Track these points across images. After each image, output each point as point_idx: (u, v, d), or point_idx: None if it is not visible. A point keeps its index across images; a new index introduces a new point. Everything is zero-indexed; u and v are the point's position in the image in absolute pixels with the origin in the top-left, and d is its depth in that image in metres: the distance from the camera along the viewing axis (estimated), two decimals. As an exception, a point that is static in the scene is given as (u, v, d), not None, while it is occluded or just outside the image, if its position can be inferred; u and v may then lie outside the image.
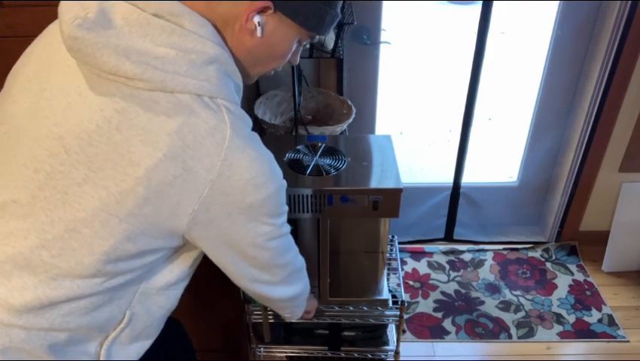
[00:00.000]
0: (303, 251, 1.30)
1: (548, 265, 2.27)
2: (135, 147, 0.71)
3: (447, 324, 1.99)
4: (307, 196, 1.18)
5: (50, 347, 0.79)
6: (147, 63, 0.70)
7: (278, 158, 1.27)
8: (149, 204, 0.73)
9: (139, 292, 0.86)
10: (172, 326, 1.22)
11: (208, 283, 1.44)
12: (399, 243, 1.58)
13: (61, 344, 0.80)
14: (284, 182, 0.85)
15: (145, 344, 0.93)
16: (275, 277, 0.96)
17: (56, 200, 0.73)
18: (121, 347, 0.88)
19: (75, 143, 0.72)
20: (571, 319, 2.01)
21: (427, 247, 2.35)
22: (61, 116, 0.73)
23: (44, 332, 0.78)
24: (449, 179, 2.27)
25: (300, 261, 1.04)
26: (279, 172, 0.84)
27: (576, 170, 2.16)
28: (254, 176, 0.77)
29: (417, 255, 2.32)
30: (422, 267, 2.25)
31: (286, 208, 0.89)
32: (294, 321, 1.42)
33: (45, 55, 0.78)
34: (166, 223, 0.76)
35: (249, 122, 0.81)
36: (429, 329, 1.97)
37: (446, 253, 2.33)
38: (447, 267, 2.25)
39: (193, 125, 0.72)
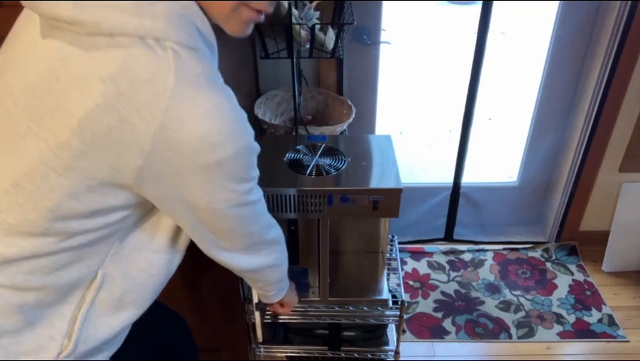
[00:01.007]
0: (303, 251, 1.30)
1: (548, 265, 2.27)
2: (71, 95, 0.67)
3: (447, 324, 1.99)
4: (307, 196, 1.18)
5: (19, 307, 0.76)
6: (82, 5, 0.64)
7: (278, 158, 1.27)
8: (86, 157, 0.68)
9: (111, 253, 0.81)
10: (178, 324, 1.23)
11: (208, 283, 1.44)
12: (399, 243, 1.58)
13: (30, 305, 0.77)
14: (254, 144, 0.78)
15: (131, 316, 0.88)
16: (236, 244, 0.90)
17: (5, 154, 0.71)
18: (103, 312, 0.84)
19: (22, 95, 0.70)
20: (571, 319, 2.01)
21: (427, 247, 2.35)
22: (17, 71, 0.71)
23: (9, 291, 0.75)
24: (449, 179, 2.27)
25: (273, 234, 0.97)
26: (247, 132, 0.76)
27: (576, 170, 2.16)
28: (207, 133, 0.69)
29: (417, 255, 2.32)
30: (422, 267, 2.25)
31: (255, 174, 0.82)
32: (292, 321, 1.42)
33: (23, 18, 0.77)
34: (109, 179, 0.71)
35: (210, 71, 0.73)
36: (429, 329, 1.97)
37: (446, 253, 2.33)
38: (447, 267, 2.25)
39: (130, 71, 0.65)
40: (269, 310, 1.39)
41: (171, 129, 0.67)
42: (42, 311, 0.78)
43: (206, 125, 0.69)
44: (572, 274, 2.22)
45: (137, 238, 0.84)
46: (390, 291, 1.40)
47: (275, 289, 1.09)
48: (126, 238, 0.82)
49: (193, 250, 1.34)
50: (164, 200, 0.77)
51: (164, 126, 0.67)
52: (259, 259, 0.96)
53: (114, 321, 0.85)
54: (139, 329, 1.03)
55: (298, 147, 1.31)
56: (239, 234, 0.88)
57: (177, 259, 0.92)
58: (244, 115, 0.75)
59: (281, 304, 1.18)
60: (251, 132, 0.77)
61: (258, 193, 0.86)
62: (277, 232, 0.99)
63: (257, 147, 0.79)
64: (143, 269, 0.86)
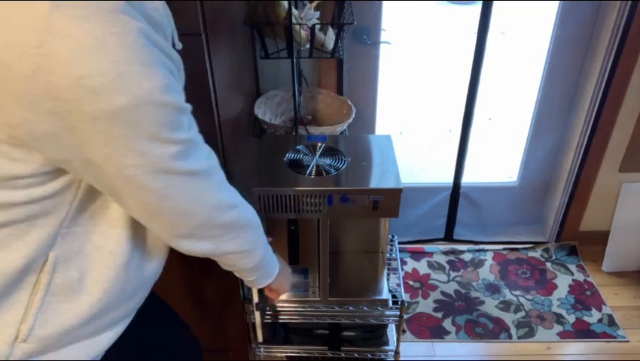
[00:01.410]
0: (303, 251, 1.30)
1: (548, 265, 2.27)
2: None
3: (447, 324, 1.99)
4: (307, 196, 1.18)
5: None
6: None
7: (278, 158, 1.27)
8: None
9: (62, 233, 0.74)
10: (181, 329, 1.21)
11: (208, 283, 1.44)
12: (399, 243, 1.58)
13: None
14: (169, 98, 0.66)
15: (99, 300, 0.80)
16: (178, 227, 0.78)
17: None
18: (62, 297, 0.77)
19: None
20: (571, 319, 2.01)
21: (427, 247, 2.35)
22: None
23: None
24: (449, 179, 2.27)
25: (234, 216, 0.84)
26: (150, 79, 0.63)
27: (576, 170, 2.16)
28: (85, 75, 0.58)
29: (417, 255, 2.32)
30: (422, 267, 2.25)
31: (187, 136, 0.71)
32: (292, 321, 1.42)
33: None
34: (5, 136, 0.63)
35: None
36: (429, 329, 1.97)
37: (446, 253, 2.33)
38: (447, 267, 2.25)
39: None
40: (268, 310, 1.39)
41: (46, 70, 0.57)
42: None
43: (83, 66, 0.58)
44: (572, 274, 2.22)
45: (88, 214, 0.76)
46: (390, 291, 1.40)
47: (254, 276, 0.99)
48: (78, 215, 0.75)
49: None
50: (74, 166, 0.68)
51: (38, 67, 0.57)
52: (215, 245, 0.84)
53: (78, 305, 0.78)
54: (147, 345, 1.01)
55: (298, 147, 1.31)
56: (176, 212, 0.75)
57: (143, 236, 0.84)
58: (153, 57, 0.63)
59: (269, 289, 1.08)
60: (165, 81, 0.65)
61: (199, 162, 0.74)
62: (241, 214, 0.86)
63: (175, 102, 0.67)
64: (99, 246, 0.78)
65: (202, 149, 0.77)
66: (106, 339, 0.85)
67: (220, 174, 0.81)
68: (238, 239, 0.87)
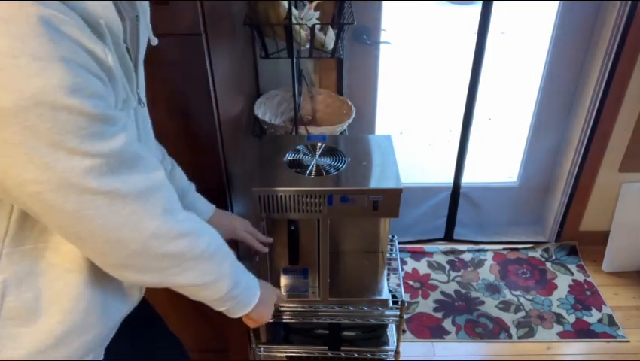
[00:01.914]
0: (303, 251, 1.30)
1: (548, 265, 2.27)
2: None
3: (447, 324, 1.99)
4: (307, 196, 1.18)
5: None
6: None
7: (278, 158, 1.27)
8: None
9: (5, 254, 0.68)
10: (174, 343, 1.19)
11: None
12: (399, 243, 1.58)
13: None
14: (79, 102, 0.56)
15: (62, 320, 0.73)
16: (105, 257, 0.69)
17: None
18: (18, 321, 0.71)
19: None
20: (571, 319, 2.01)
21: (427, 247, 2.35)
22: None
23: None
24: (449, 179, 2.27)
25: (184, 246, 0.73)
26: (53, 77, 0.54)
27: (576, 170, 2.16)
28: None
29: (417, 255, 2.32)
30: (422, 267, 2.25)
31: (103, 150, 0.60)
32: (292, 321, 1.42)
33: None
34: None
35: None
36: (429, 329, 1.97)
37: (446, 253, 2.33)
38: (447, 267, 2.25)
39: None
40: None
41: None
42: None
43: None
44: (572, 274, 2.22)
45: (38, 230, 0.69)
46: (390, 291, 1.40)
47: (224, 307, 0.89)
48: (22, 232, 0.68)
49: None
50: None
51: None
52: (161, 278, 0.75)
53: (38, 329, 0.72)
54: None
55: (298, 147, 1.31)
56: (101, 239, 0.66)
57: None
58: (55, 52, 0.54)
59: (247, 317, 0.98)
60: (68, 81, 0.55)
61: (129, 182, 0.65)
62: (193, 244, 0.75)
63: (84, 106, 0.57)
64: (53, 264, 0.71)
65: (134, 165, 0.66)
66: None
67: (164, 198, 0.71)
68: (191, 271, 0.77)
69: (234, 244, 1.23)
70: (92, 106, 0.58)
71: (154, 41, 0.82)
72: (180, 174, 1.10)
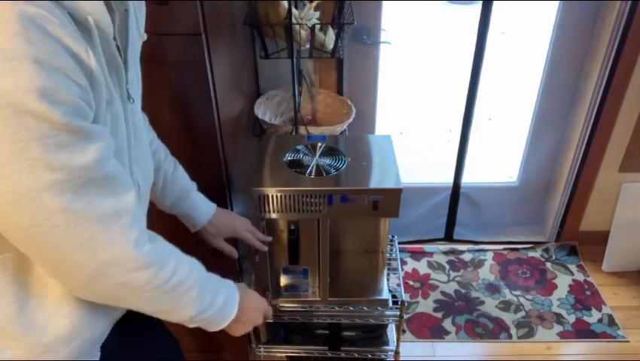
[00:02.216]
0: (303, 251, 1.30)
1: (548, 265, 2.27)
2: None
3: (447, 324, 1.99)
4: (307, 196, 1.18)
5: None
6: None
7: (278, 158, 1.27)
8: None
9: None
10: (170, 341, 1.18)
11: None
12: (399, 243, 1.58)
13: None
14: (48, 108, 0.53)
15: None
16: (63, 280, 0.66)
17: None
18: (5, 334, 0.70)
19: None
20: (571, 319, 2.01)
21: (427, 247, 2.35)
22: None
23: None
24: (449, 179, 2.27)
25: (138, 279, 0.69)
26: (23, 79, 0.51)
27: (576, 170, 2.16)
28: None
29: (417, 255, 2.32)
30: (422, 267, 2.25)
31: (72, 164, 0.57)
32: (292, 321, 1.42)
33: None
34: None
35: None
36: (429, 329, 1.97)
37: (446, 253, 2.33)
38: (447, 267, 2.25)
39: None
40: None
41: None
42: None
43: None
44: (572, 274, 2.22)
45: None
46: (390, 291, 1.40)
47: (193, 325, 0.84)
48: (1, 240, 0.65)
49: (191, 249, 1.34)
50: None
51: None
52: (119, 304, 0.74)
53: (26, 342, 0.71)
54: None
55: (298, 147, 1.31)
56: (53, 260, 0.62)
57: None
58: (30, 52, 0.51)
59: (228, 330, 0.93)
60: (39, 84, 0.52)
61: (93, 202, 0.60)
62: (156, 277, 0.70)
63: (55, 114, 0.54)
64: (39, 271, 0.70)
65: (108, 188, 0.62)
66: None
67: (129, 225, 0.66)
68: (149, 302, 0.73)
69: (234, 242, 1.24)
70: (61, 113, 0.54)
71: (143, 37, 0.82)
72: (182, 173, 1.11)
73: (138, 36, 0.80)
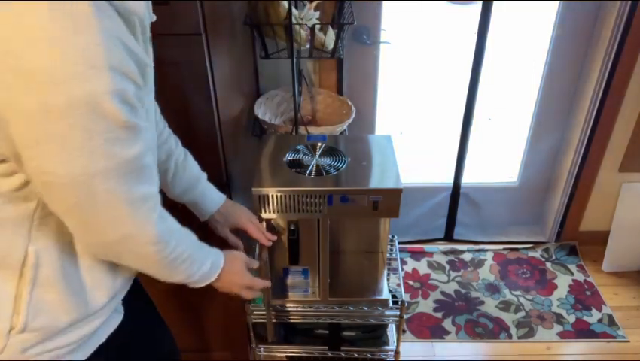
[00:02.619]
0: (303, 251, 1.30)
1: (548, 265, 2.27)
2: None
3: (447, 324, 1.99)
4: (307, 196, 1.18)
5: None
6: None
7: (278, 158, 1.27)
8: None
9: (35, 226, 0.75)
10: (168, 332, 1.21)
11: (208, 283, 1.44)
12: (399, 243, 1.58)
13: None
14: (116, 109, 0.63)
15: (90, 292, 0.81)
16: (89, 243, 0.77)
17: None
18: (49, 288, 0.77)
19: None
20: (571, 319, 2.01)
21: (427, 247, 2.35)
22: None
23: None
24: (449, 179, 2.27)
25: (148, 251, 0.80)
26: (101, 84, 0.62)
27: (576, 170, 2.16)
28: (31, 68, 0.59)
29: (417, 255, 2.32)
30: (422, 267, 2.25)
31: (119, 154, 0.67)
32: (292, 321, 1.42)
33: None
34: None
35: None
36: (429, 329, 1.97)
37: (446, 253, 2.33)
38: (447, 267, 2.25)
39: None
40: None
41: (4, 59, 0.59)
42: None
43: (30, 58, 0.59)
44: (572, 274, 2.22)
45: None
46: (390, 291, 1.40)
47: (178, 283, 0.94)
48: (47, 208, 0.74)
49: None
50: (10, 160, 0.67)
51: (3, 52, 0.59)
52: (126, 264, 0.84)
53: (64, 295, 0.79)
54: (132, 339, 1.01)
55: (298, 147, 1.31)
56: (82, 226, 0.73)
57: None
58: (107, 61, 0.61)
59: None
60: (112, 87, 0.62)
61: (124, 187, 0.70)
62: (165, 251, 0.82)
63: (118, 113, 0.64)
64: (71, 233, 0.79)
65: (139, 175, 0.72)
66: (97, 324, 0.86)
67: (152, 208, 0.77)
68: (150, 269, 0.86)
69: (239, 237, 1.23)
70: (124, 112, 0.65)
71: (152, 18, 0.84)
72: (192, 162, 1.12)
73: (149, 18, 0.82)
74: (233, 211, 1.19)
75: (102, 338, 0.88)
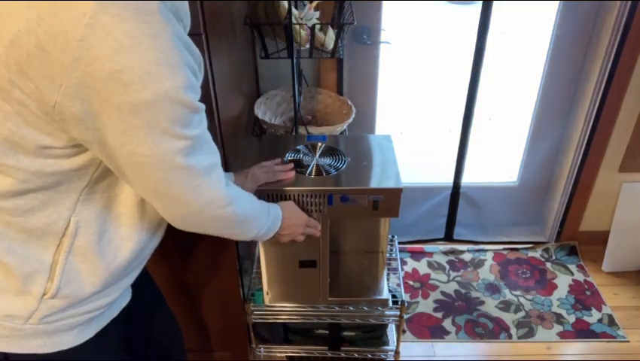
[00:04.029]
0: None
1: (548, 265, 2.27)
2: (3, 20, 0.67)
3: (447, 324, 1.99)
4: (307, 196, 1.18)
5: None
6: None
7: (279, 158, 1.27)
8: (15, 87, 0.68)
9: (80, 201, 0.81)
10: (173, 326, 1.22)
11: (208, 283, 1.44)
12: (399, 243, 1.58)
13: (9, 241, 0.80)
14: (187, 97, 0.73)
15: (117, 263, 0.88)
16: (174, 213, 0.85)
17: None
18: (84, 258, 0.84)
19: None
20: (571, 319, 2.01)
21: (427, 247, 2.35)
22: None
23: None
24: (449, 179, 2.27)
25: (224, 212, 0.89)
26: (174, 79, 0.71)
27: (576, 170, 2.16)
28: (119, 69, 0.66)
29: (417, 255, 2.32)
30: (422, 267, 2.25)
31: (194, 133, 0.77)
32: (292, 321, 1.42)
33: None
34: (39, 114, 0.70)
35: (148, 4, 0.68)
36: (429, 329, 1.97)
37: (446, 253, 2.33)
38: (447, 267, 2.25)
39: None
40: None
41: (85, 62, 0.65)
42: (21, 250, 0.80)
43: (117, 61, 0.65)
44: (572, 274, 2.22)
45: (107, 182, 0.83)
46: (390, 291, 1.40)
47: (252, 239, 1.05)
48: (97, 183, 0.82)
49: (192, 249, 1.34)
50: (92, 145, 0.75)
51: (78, 58, 0.64)
52: (208, 231, 0.93)
53: (95, 266, 0.85)
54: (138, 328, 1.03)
55: (298, 147, 1.31)
56: (170, 200, 0.82)
57: (152, 209, 0.90)
58: (179, 59, 0.71)
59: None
60: (185, 81, 0.72)
61: (200, 160, 0.80)
62: (236, 211, 0.92)
63: (190, 101, 0.74)
64: (112, 209, 0.86)
65: (206, 147, 0.82)
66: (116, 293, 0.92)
67: (218, 173, 0.86)
68: (231, 230, 0.96)
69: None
70: (193, 100, 0.74)
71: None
72: None
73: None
74: (247, 178, 1.20)
75: (114, 312, 0.94)
